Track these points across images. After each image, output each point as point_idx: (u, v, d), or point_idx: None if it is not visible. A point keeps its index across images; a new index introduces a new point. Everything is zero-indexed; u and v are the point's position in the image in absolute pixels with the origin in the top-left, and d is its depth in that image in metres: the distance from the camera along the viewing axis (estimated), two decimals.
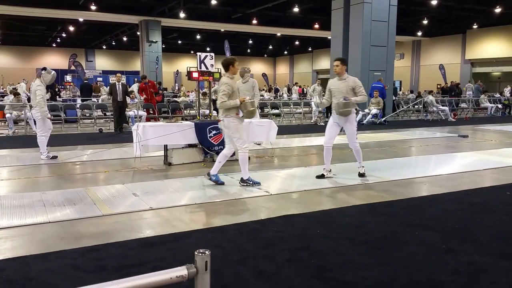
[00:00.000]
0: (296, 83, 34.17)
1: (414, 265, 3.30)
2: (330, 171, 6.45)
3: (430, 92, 19.64)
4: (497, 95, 23.41)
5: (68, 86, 25.64)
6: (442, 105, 17.79)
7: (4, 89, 27.36)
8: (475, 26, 28.80)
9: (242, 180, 5.80)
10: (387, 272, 3.18)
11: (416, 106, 18.83)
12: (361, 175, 6.41)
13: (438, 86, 29.12)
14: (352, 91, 6.05)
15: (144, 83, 14.51)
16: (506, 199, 5.25)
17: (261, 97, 23.18)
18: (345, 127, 6.27)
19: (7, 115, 12.16)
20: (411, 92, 26.79)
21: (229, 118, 5.67)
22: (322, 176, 6.34)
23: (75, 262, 3.31)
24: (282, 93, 29.56)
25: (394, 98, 18.47)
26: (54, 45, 39.67)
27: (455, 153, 8.78)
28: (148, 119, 13.58)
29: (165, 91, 23.96)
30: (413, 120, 17.42)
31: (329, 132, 6.35)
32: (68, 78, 29.80)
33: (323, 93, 16.56)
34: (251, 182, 5.75)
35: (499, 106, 20.43)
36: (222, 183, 5.80)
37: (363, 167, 6.49)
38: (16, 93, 13.32)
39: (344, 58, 6.64)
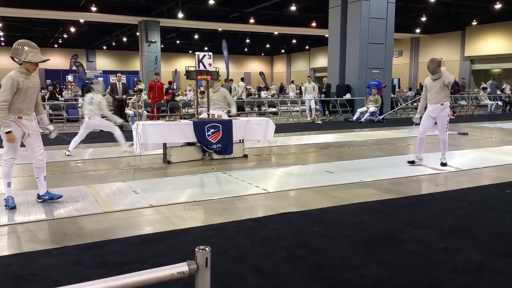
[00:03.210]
0: (292, 81, 33.88)
1: (412, 263, 3.29)
2: (421, 159, 7.03)
3: None
4: (498, 92, 23.36)
5: (70, 86, 25.79)
6: None
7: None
8: (474, 23, 28.59)
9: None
10: (385, 270, 3.18)
11: (414, 104, 18.81)
12: (443, 164, 6.93)
13: None
14: (445, 86, 6.61)
15: (154, 80, 14.55)
16: (505, 197, 5.23)
17: (257, 97, 23.15)
18: (438, 118, 6.80)
19: None
20: (410, 89, 26.75)
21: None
22: (412, 162, 7.03)
23: (78, 258, 3.36)
24: (274, 93, 28.61)
25: (392, 95, 18.43)
26: (55, 46, 39.65)
27: (455, 150, 8.76)
28: (151, 118, 13.64)
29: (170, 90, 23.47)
30: (411, 117, 17.32)
31: (423, 125, 6.92)
32: (70, 78, 29.91)
33: (319, 86, 16.70)
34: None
35: (499, 103, 20.37)
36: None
37: (445, 158, 6.98)
38: None
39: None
